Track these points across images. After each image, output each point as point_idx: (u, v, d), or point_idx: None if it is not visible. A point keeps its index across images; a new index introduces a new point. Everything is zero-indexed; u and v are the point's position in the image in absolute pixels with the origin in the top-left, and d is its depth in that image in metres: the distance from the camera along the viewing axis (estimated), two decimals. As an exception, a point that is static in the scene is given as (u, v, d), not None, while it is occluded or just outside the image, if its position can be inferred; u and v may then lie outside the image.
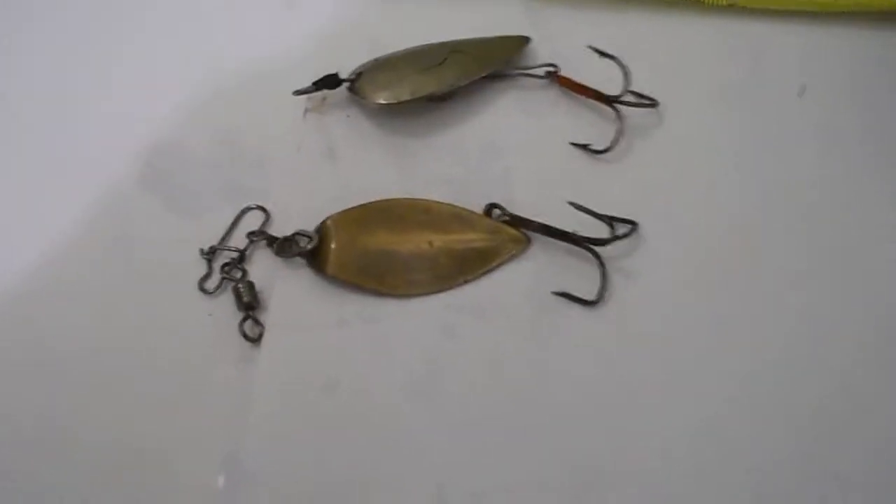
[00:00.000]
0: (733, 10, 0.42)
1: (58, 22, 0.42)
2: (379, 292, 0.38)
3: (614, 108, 0.40)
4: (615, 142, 0.40)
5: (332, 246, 0.38)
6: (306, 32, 0.43)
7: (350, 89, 0.40)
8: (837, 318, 0.37)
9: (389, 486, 0.36)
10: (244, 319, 0.37)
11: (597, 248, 0.37)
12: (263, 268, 0.38)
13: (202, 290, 0.38)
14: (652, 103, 0.40)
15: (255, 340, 0.37)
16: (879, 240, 0.39)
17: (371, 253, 0.38)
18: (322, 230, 0.38)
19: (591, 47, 0.40)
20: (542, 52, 0.42)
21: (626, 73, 0.40)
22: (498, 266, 0.38)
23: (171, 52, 0.42)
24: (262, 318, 0.38)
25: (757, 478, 0.36)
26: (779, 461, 0.36)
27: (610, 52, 0.42)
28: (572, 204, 0.37)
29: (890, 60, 0.42)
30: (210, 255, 0.38)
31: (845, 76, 0.42)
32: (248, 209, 0.39)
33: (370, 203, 0.39)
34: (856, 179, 0.40)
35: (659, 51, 0.42)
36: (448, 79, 0.40)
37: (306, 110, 0.41)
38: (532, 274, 0.38)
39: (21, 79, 0.41)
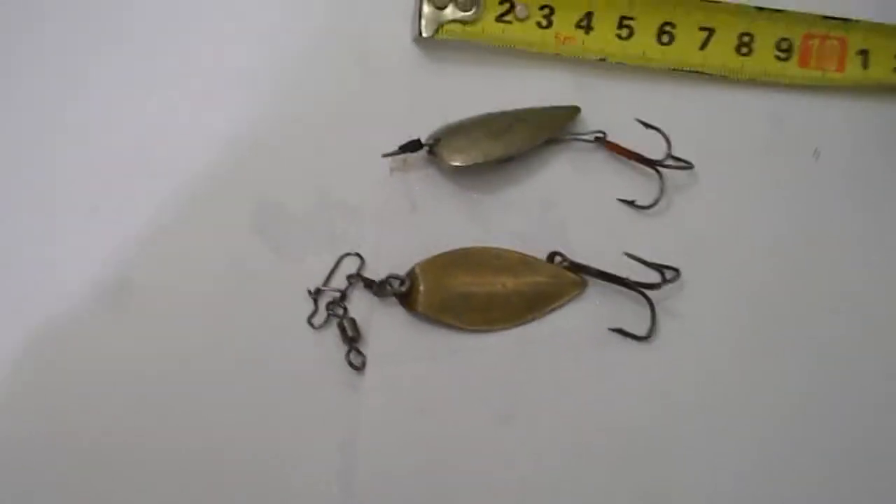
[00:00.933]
0: (755, 83, 0.47)
1: (176, 91, 0.48)
2: (461, 328, 0.44)
3: (657, 170, 0.46)
4: (657, 199, 0.46)
5: (421, 288, 0.44)
6: (386, 100, 0.47)
7: (429, 152, 0.45)
8: (854, 355, 0.44)
9: (475, 494, 0.42)
10: (349, 351, 0.43)
11: (647, 292, 0.44)
12: (361, 305, 0.44)
13: (310, 324, 0.44)
14: (688, 166, 0.46)
15: (360, 369, 0.43)
16: (869, 277, 0.45)
17: (454, 294, 0.44)
18: (412, 274, 0.44)
19: (638, 120, 0.46)
20: (591, 120, 0.46)
21: (668, 142, 0.46)
22: (561, 305, 0.44)
23: (271, 119, 0.47)
24: (364, 349, 0.44)
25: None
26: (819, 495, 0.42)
27: (648, 118, 0.47)
28: (627, 254, 0.43)
29: (886, 125, 0.48)
30: (316, 294, 0.44)
31: (853, 140, 0.47)
32: (347, 255, 0.45)
33: (451, 251, 0.44)
34: (863, 228, 0.46)
35: (691, 118, 0.47)
36: (514, 144, 0.45)
37: (392, 170, 0.45)
38: (590, 312, 0.44)
39: (153, 141, 0.46)
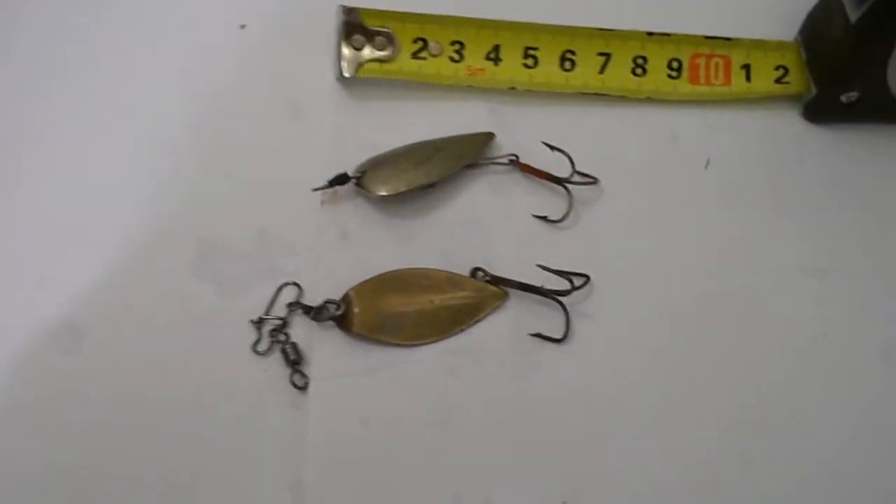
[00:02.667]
0: (651, 101, 0.52)
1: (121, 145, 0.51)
2: (395, 344, 0.47)
3: (565, 187, 0.51)
4: (567, 213, 0.50)
5: (356, 310, 0.48)
6: (313, 137, 0.51)
7: (357, 184, 0.48)
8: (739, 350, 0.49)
9: (417, 495, 0.45)
10: (292, 373, 0.47)
11: (560, 298, 0.48)
12: (302, 330, 0.47)
13: (255, 351, 0.47)
14: (593, 181, 0.49)
15: (303, 388, 0.47)
16: (776, 280, 0.50)
17: (386, 313, 0.48)
18: (346, 299, 0.48)
19: (543, 142, 0.51)
20: (504, 144, 0.50)
21: (571, 161, 0.50)
22: (484, 317, 0.48)
23: (204, 162, 0.50)
24: (306, 370, 0.47)
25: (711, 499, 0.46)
26: (731, 486, 0.46)
27: (556, 139, 0.50)
28: (540, 265, 0.48)
29: (770, 134, 0.53)
30: (259, 323, 0.48)
31: (740, 149, 0.52)
32: (285, 285, 0.48)
33: (382, 274, 0.48)
34: (753, 231, 0.51)
35: (595, 136, 0.50)
36: (435, 172, 0.49)
37: (322, 203, 0.48)
38: (511, 321, 0.48)
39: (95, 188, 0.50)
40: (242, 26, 0.54)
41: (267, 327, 0.48)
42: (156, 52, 0.53)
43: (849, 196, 0.52)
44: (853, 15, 0.47)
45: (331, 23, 0.52)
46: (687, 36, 0.53)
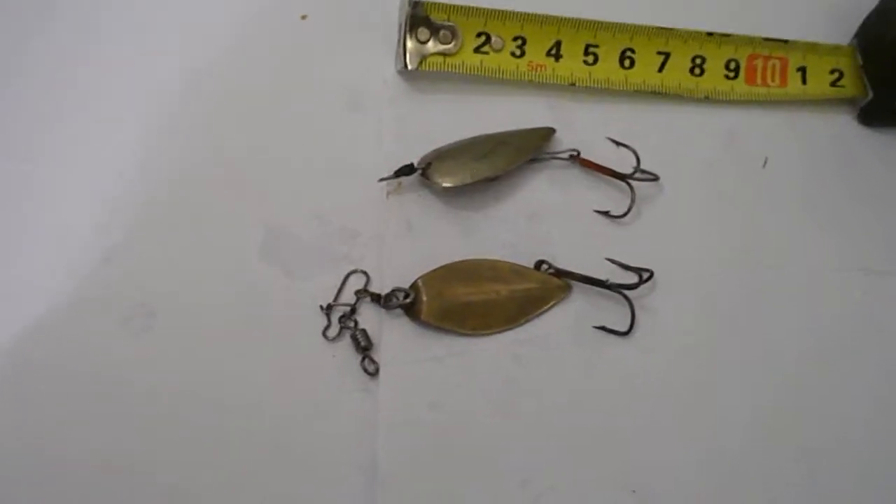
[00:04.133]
0: (708, 101, 0.53)
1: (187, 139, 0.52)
2: (462, 333, 0.48)
3: (627, 183, 0.52)
4: (629, 208, 0.51)
5: (424, 299, 0.49)
6: (374, 128, 0.51)
7: (422, 175, 0.49)
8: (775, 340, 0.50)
9: (485, 479, 0.46)
10: (363, 359, 0.48)
11: (626, 292, 0.49)
12: (370, 317, 0.48)
13: (325, 337, 0.48)
14: (654, 177, 0.51)
15: (373, 374, 0.48)
16: (832, 279, 0.51)
17: (454, 303, 0.48)
18: (415, 287, 0.49)
19: (609, 138, 0.52)
20: (565, 139, 0.51)
21: (637, 158, 0.51)
22: (549, 308, 0.49)
23: (274, 153, 0.51)
24: (375, 356, 0.48)
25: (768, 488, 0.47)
26: (785, 475, 0.47)
27: (614, 136, 0.51)
28: (608, 259, 0.49)
29: (825, 136, 0.54)
30: (328, 310, 0.48)
31: (796, 150, 0.53)
32: (353, 272, 0.49)
33: (449, 264, 0.49)
34: (808, 230, 0.52)
35: (653, 134, 0.51)
36: (498, 165, 0.49)
37: (388, 193, 0.49)
38: (575, 313, 0.49)
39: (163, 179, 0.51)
40: (304, 17, 0.54)
41: (336, 314, 0.48)
42: (220, 42, 0.53)
43: (903, 199, 0.53)
44: (912, 20, 0.48)
45: (391, 15, 0.53)
46: (745, 37, 0.54)
